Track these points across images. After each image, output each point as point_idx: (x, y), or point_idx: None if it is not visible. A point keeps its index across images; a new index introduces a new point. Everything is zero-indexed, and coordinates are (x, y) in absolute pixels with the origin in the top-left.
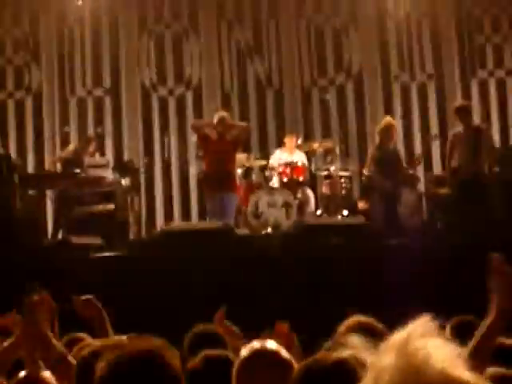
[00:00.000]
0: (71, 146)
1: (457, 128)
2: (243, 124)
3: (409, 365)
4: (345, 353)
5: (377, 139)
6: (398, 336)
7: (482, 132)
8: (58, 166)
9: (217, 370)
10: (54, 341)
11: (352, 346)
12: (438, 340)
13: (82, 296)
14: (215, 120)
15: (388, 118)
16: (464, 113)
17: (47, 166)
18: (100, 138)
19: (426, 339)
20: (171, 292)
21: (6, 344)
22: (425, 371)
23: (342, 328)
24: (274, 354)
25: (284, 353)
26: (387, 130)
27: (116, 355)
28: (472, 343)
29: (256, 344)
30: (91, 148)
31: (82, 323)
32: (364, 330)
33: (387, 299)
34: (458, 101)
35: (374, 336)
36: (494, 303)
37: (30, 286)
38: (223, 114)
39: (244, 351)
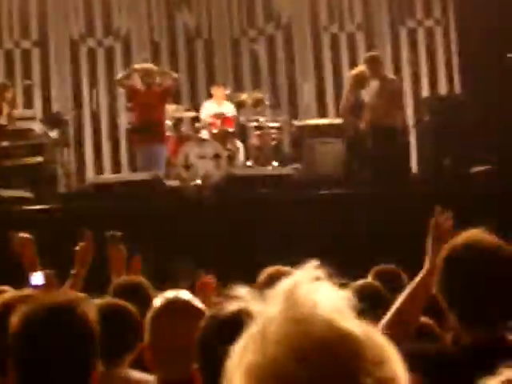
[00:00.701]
0: None
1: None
2: (174, 74)
3: (295, 314)
4: (237, 305)
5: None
6: (285, 283)
7: (394, 83)
8: None
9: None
10: None
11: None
12: (326, 288)
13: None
14: (140, 70)
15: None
16: (375, 63)
17: None
18: (28, 90)
19: (313, 287)
20: (101, 244)
21: None
22: (311, 322)
23: (262, 277)
24: (186, 304)
25: (196, 302)
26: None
27: (30, 308)
28: (401, 297)
29: (169, 294)
30: (8, 95)
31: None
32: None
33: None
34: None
35: None
36: (431, 254)
37: None
38: (149, 65)
39: (156, 301)
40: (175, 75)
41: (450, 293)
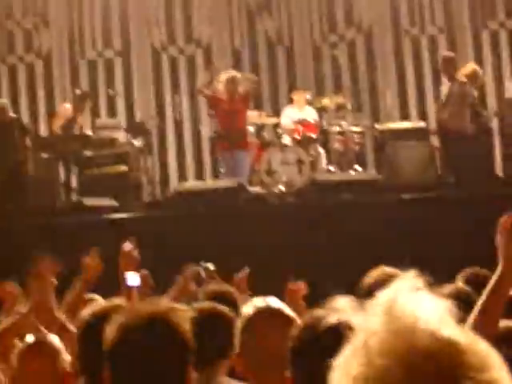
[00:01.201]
0: (67, 107)
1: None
2: (253, 77)
3: (398, 327)
4: (334, 317)
5: None
6: (384, 294)
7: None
8: (58, 127)
9: None
10: (56, 309)
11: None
12: (426, 297)
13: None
14: (224, 80)
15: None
16: (448, 64)
17: (54, 128)
18: (111, 100)
19: (413, 297)
20: (187, 252)
21: (18, 315)
22: (414, 333)
23: (367, 279)
24: (278, 311)
25: (287, 310)
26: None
27: (126, 318)
28: (482, 298)
29: (259, 301)
30: (88, 104)
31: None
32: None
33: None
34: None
35: None
36: (502, 257)
37: (35, 255)
38: (230, 72)
39: (247, 308)
40: (255, 78)
41: None
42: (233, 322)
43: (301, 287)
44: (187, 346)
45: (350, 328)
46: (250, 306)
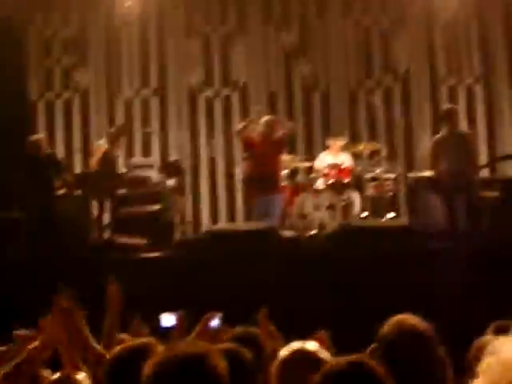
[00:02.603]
0: (103, 143)
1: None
2: (289, 123)
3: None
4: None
5: None
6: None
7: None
8: (95, 164)
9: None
10: (93, 341)
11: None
12: None
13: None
14: (263, 123)
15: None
16: (450, 116)
17: (91, 165)
18: (146, 138)
19: None
20: (217, 293)
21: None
22: None
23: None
24: (313, 355)
25: (323, 353)
26: None
27: (162, 360)
28: None
29: (295, 344)
30: (122, 140)
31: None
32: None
33: (438, 303)
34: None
35: None
36: None
37: (61, 287)
38: (266, 115)
39: (284, 351)
40: (290, 124)
41: None
42: (253, 365)
43: (323, 336)
44: None
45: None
46: (286, 349)
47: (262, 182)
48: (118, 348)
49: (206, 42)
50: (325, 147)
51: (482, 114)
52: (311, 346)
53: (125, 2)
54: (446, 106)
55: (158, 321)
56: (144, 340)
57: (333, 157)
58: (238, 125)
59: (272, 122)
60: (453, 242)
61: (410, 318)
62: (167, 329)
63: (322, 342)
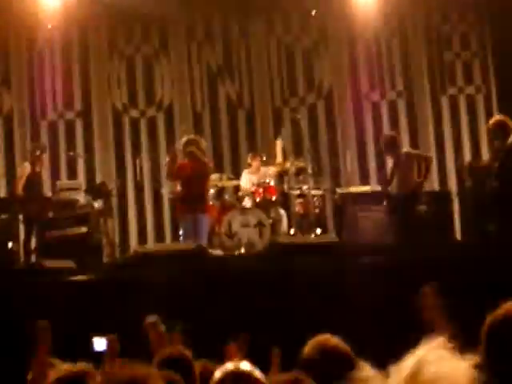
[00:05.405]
0: (26, 165)
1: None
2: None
3: None
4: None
5: None
6: (409, 363)
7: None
8: (20, 188)
9: None
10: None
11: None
12: (450, 365)
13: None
14: (183, 143)
15: None
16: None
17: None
18: (72, 161)
19: (437, 365)
20: (147, 315)
21: None
22: None
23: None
24: (247, 375)
25: (257, 373)
26: None
27: (105, 380)
28: None
29: (229, 365)
30: (44, 158)
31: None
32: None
33: (362, 321)
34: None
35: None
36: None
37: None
38: (195, 137)
39: (217, 373)
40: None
41: None
42: None
43: (238, 348)
44: None
45: None
46: (220, 370)
47: (189, 202)
48: (55, 375)
49: (129, 63)
50: (247, 165)
51: (406, 128)
52: (245, 366)
53: (47, 25)
54: (388, 134)
55: (89, 344)
56: (82, 367)
57: (255, 175)
58: (165, 159)
59: (190, 140)
60: (381, 256)
61: (331, 339)
62: (99, 353)
63: (235, 353)
